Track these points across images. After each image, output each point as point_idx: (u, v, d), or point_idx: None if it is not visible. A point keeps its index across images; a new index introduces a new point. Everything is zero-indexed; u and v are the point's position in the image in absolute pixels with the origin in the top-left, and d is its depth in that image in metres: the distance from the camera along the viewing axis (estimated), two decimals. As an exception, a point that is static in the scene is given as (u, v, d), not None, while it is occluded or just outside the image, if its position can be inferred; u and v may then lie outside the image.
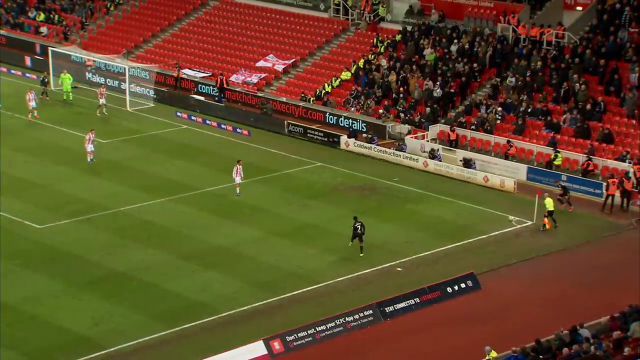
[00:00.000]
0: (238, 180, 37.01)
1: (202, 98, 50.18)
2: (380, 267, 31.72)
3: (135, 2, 60.44)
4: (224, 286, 29.87)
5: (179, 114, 48.42)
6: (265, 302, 28.91)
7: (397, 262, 32.07)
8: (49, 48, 52.97)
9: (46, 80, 49.52)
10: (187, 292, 29.26)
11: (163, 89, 51.04)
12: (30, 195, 36.19)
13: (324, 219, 35.52)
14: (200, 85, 51.57)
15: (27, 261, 30.58)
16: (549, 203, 34.86)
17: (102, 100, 46.92)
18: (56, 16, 59.87)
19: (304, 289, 29.87)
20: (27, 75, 53.15)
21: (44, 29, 58.85)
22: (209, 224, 34.84)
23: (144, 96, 50.26)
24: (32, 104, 45.09)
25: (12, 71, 53.57)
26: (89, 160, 39.90)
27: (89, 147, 39.94)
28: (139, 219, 34.87)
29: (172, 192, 37.43)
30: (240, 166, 37.21)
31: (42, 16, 60.16)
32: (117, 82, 51.48)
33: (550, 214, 34.78)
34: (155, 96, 50.27)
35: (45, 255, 31.23)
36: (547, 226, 34.79)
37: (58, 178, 38.24)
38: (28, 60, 55.53)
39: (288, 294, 29.48)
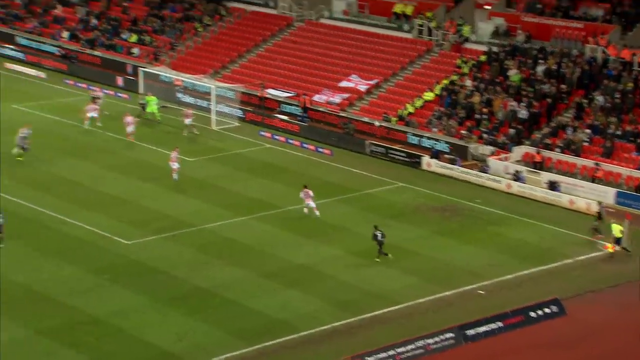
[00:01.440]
0: (312, 204, 36.87)
1: (286, 117, 50.62)
2: (461, 289, 31.26)
3: (223, 24, 61.59)
4: (304, 305, 29.92)
5: (262, 133, 48.95)
6: (345, 321, 28.81)
7: (479, 284, 31.54)
8: (140, 68, 54.36)
9: (144, 103, 50.66)
10: (268, 310, 29.42)
11: (248, 109, 51.74)
12: (120, 211, 37.08)
13: (404, 240, 35.25)
14: (284, 104, 52.06)
15: (116, 276, 31.28)
16: (616, 229, 33.90)
17: (187, 121, 47.77)
18: (147, 37, 61.46)
19: (384, 310, 29.66)
20: (119, 94, 54.63)
21: (135, 50, 60.46)
22: (290, 242, 35.00)
23: (229, 115, 51.05)
24: (130, 128, 45.98)
25: (105, 91, 55.12)
26: (174, 177, 40.69)
27: (174, 165, 40.75)
28: (222, 236, 35.29)
29: (254, 210, 37.78)
30: (309, 190, 37.07)
31: (134, 37, 61.85)
32: (204, 101, 52.42)
33: (617, 241, 33.81)
34: (240, 115, 51.00)
35: (132, 271, 31.90)
36: (611, 250, 33.88)
37: (145, 195, 39.09)
38: (120, 80, 57.11)
39: (368, 314, 29.32)
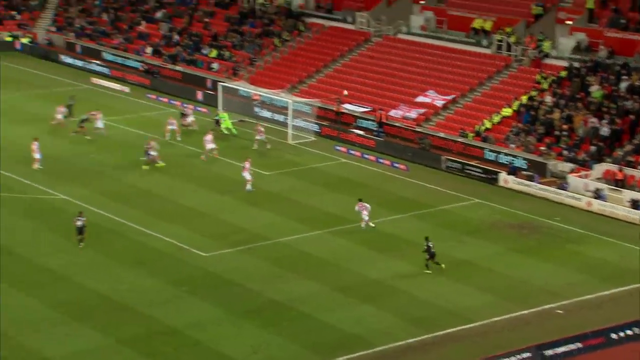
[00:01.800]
0: (365, 216, 36.83)
1: (362, 132, 50.64)
2: (539, 308, 30.65)
3: (302, 39, 62.13)
4: (378, 320, 29.79)
5: (338, 147, 49.07)
6: (419, 338, 28.56)
7: (558, 304, 30.86)
8: (219, 83, 55.26)
9: (218, 118, 51.34)
10: (342, 325, 29.39)
11: (324, 123, 51.97)
12: (197, 223, 37.65)
13: (480, 257, 34.80)
14: (360, 119, 52.08)
15: (193, 288, 31.72)
16: None
17: (259, 137, 47.90)
18: (227, 53, 62.47)
19: (458, 327, 29.29)
20: (198, 108, 55.57)
21: (215, 65, 61.51)
22: (365, 256, 34.94)
23: (305, 130, 51.36)
24: (211, 145, 46.52)
25: (185, 105, 56.06)
26: (249, 188, 41.11)
27: (247, 176, 41.14)
28: (297, 250, 35.46)
29: (329, 225, 37.84)
30: (365, 203, 37.01)
31: (214, 53, 62.94)
32: (281, 116, 52.90)
33: None
34: (316, 130, 51.28)
35: (209, 283, 32.31)
36: None
37: (222, 208, 39.60)
38: (200, 95, 58.15)
39: (442, 332, 29.01)
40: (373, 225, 37.04)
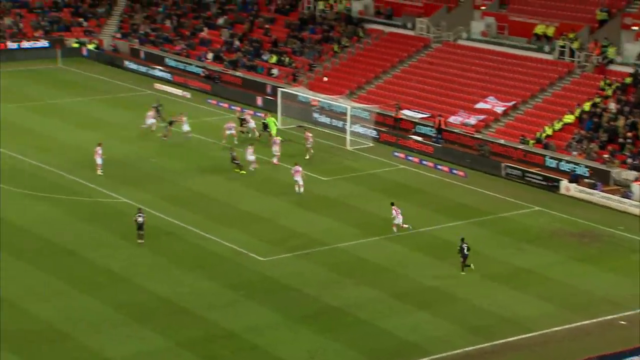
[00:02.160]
0: (398, 220, 36.93)
1: (420, 138, 50.32)
2: (600, 318, 29.98)
3: (361, 45, 62.07)
4: (435, 327, 29.51)
5: (396, 153, 48.84)
6: (477, 347, 28.19)
7: (621, 315, 30.13)
8: (279, 89, 55.53)
9: (266, 123, 51.46)
10: (398, 331, 29.19)
11: (382, 129, 51.80)
12: (255, 228, 37.84)
13: (540, 265, 34.21)
14: (418, 126, 51.76)
15: (251, 292, 31.87)
16: None
17: (308, 144, 47.37)
18: (287, 59, 62.79)
19: (518, 337, 28.82)
20: (258, 114, 55.90)
21: (275, 71, 61.87)
22: (422, 263, 34.67)
23: (363, 136, 51.26)
24: (251, 157, 46.32)
25: (245, 110, 56.55)
26: (297, 190, 41.01)
27: (298, 179, 41.14)
28: (354, 255, 35.36)
29: (387, 231, 37.64)
30: (397, 209, 37.06)
31: (274, 58, 63.32)
32: (340, 122, 52.88)
33: None
34: (375, 136, 51.15)
35: (267, 287, 32.43)
36: None
37: (280, 213, 39.74)
38: (260, 100, 58.54)
39: (501, 340, 28.58)
40: (407, 226, 36.96)
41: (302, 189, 41.37)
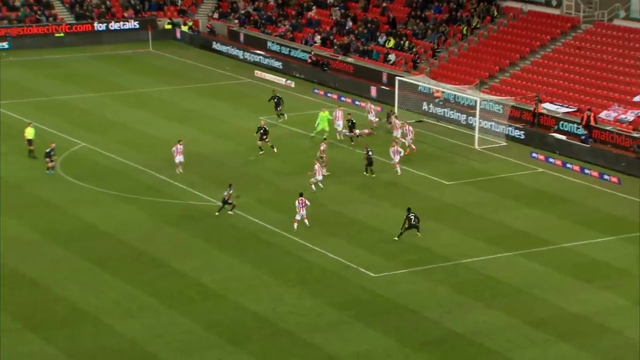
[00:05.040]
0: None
1: (563, 137, 49.29)
2: None
3: (494, 27, 61.21)
4: (579, 363, 28.82)
5: (534, 154, 47.94)
6: (629, 388, 27.33)
7: None
8: (396, 77, 55.36)
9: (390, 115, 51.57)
10: (534, 366, 28.65)
11: (518, 125, 50.97)
12: (366, 239, 37.81)
13: None
14: (562, 122, 50.70)
15: (360, 312, 31.88)
16: None
17: (407, 139, 46.95)
18: (406, 42, 62.54)
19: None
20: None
21: (392, 57, 61.75)
22: (565, 286, 33.91)
23: (495, 133, 50.54)
24: (401, 133, 46.42)
25: (357, 102, 56.72)
26: (313, 188, 41.06)
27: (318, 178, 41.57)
28: (482, 274, 34.90)
29: (521, 246, 37.00)
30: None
31: (392, 42, 63.22)
32: (467, 116, 52.35)
33: None
34: (508, 133, 50.40)
35: (378, 308, 32.35)
36: None
37: (395, 222, 39.49)
38: (374, 91, 58.55)
39: (659, 382, 27.60)
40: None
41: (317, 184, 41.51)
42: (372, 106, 52.33)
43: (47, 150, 44.49)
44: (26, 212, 39.88)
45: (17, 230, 37.99)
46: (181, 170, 44.38)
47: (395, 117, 50.36)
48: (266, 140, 47.43)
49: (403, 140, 47.31)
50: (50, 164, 44.37)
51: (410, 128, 47.84)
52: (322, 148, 44.99)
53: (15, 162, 45.68)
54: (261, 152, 47.38)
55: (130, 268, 34.98)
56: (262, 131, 47.42)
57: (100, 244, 37.00)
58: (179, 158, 44.33)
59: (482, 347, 29.72)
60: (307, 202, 38.43)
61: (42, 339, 29.68)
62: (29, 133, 46.70)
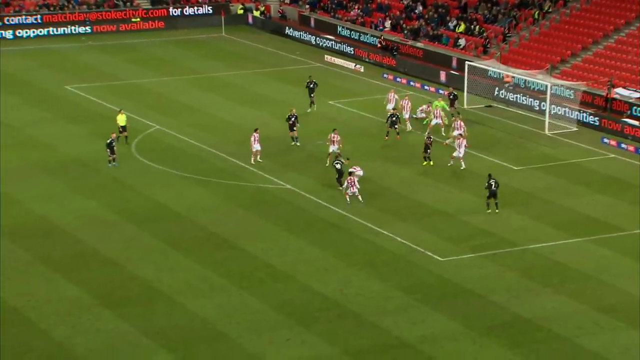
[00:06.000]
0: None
1: (636, 123, 48.33)
2: None
3: (567, 10, 60.19)
4: (649, 351, 28.35)
5: (606, 140, 47.13)
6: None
7: None
8: (466, 62, 54.86)
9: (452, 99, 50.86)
10: (606, 353, 28.35)
11: (589, 111, 50.13)
12: (434, 223, 37.68)
13: None
14: (635, 107, 49.72)
15: (427, 296, 31.83)
16: None
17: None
18: (477, 27, 61.91)
19: None
20: (441, 91, 55.53)
21: (462, 41, 61.20)
22: (635, 272, 33.39)
23: (566, 118, 49.83)
24: (459, 152, 45.47)
25: (426, 87, 56.41)
26: (354, 180, 39.80)
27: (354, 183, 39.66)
28: (550, 259, 34.52)
29: (591, 232, 36.51)
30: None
31: (462, 27, 62.65)
32: (538, 101, 51.69)
33: None
34: (580, 119, 49.63)
35: (445, 292, 32.26)
36: None
37: (463, 206, 39.31)
38: (443, 76, 58.13)
39: None
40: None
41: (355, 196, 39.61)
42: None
43: (108, 141, 42.80)
44: (104, 193, 40.63)
45: (96, 211, 38.75)
46: (259, 159, 44.15)
47: (458, 113, 48.75)
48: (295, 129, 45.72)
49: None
50: (111, 157, 42.75)
51: (461, 123, 45.47)
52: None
53: (93, 143, 46.45)
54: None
55: (202, 249, 35.43)
56: (293, 119, 46.07)
57: (173, 224, 37.54)
58: (256, 146, 43.88)
59: (551, 333, 29.44)
60: (358, 185, 38.70)
61: (118, 316, 30.31)
62: (121, 120, 46.04)
